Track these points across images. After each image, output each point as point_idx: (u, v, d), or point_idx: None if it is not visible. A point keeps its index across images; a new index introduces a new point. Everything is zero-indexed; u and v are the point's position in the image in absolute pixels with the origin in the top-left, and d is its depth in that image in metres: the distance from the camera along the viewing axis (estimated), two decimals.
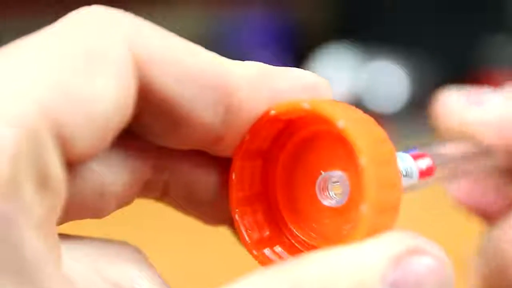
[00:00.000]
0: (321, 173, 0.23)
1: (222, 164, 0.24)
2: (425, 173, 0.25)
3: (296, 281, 0.20)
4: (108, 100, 0.19)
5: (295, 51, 1.11)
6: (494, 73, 1.03)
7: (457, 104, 0.35)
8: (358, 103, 1.01)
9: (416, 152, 0.25)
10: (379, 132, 0.22)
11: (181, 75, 0.21)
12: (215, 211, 0.25)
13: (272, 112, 0.22)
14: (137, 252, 0.23)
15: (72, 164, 0.20)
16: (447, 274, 0.21)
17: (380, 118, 1.00)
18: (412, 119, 1.00)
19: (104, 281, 0.22)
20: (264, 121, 0.22)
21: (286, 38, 1.13)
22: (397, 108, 1.02)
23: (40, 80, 0.19)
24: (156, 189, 0.24)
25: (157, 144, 0.23)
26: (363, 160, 0.20)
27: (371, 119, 0.22)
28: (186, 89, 0.21)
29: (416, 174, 0.24)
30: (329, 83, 0.23)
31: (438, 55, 1.05)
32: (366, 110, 0.22)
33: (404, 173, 0.24)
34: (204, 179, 0.24)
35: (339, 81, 0.99)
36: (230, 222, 0.24)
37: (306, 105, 0.21)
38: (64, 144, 0.19)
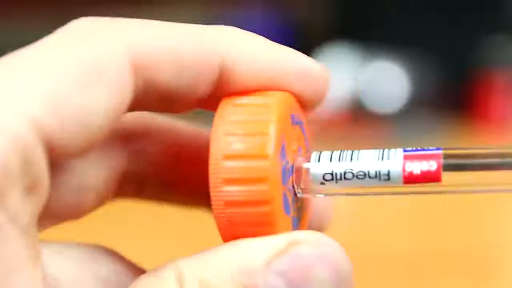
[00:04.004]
0: None
1: (196, 144, 0.24)
2: (417, 178, 0.22)
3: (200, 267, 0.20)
4: (102, 112, 0.20)
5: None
6: (494, 73, 1.03)
7: None
8: (358, 103, 1.01)
9: (420, 152, 0.22)
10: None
11: (180, 70, 0.21)
12: (192, 193, 0.25)
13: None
14: (113, 250, 0.24)
15: (56, 164, 0.20)
16: (339, 262, 0.20)
17: (380, 118, 1.00)
18: (412, 119, 1.00)
19: (94, 278, 0.22)
20: None
21: (286, 38, 1.14)
22: (397, 108, 1.02)
23: (32, 93, 0.19)
24: (133, 180, 0.24)
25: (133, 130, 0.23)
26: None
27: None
28: (185, 79, 0.22)
29: (399, 177, 0.22)
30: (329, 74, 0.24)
31: (438, 55, 1.05)
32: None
33: (374, 174, 0.22)
34: (178, 162, 0.25)
35: (339, 81, 0.99)
36: (207, 204, 0.25)
37: None
38: (53, 152, 0.19)
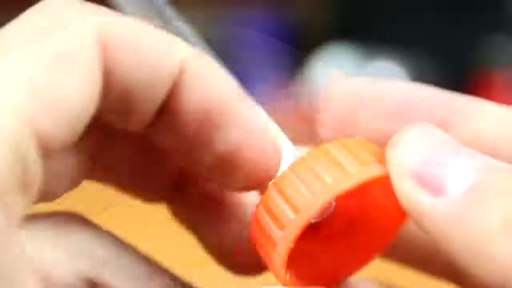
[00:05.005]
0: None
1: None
2: None
3: None
4: (76, 98, 0.20)
5: (295, 51, 1.11)
6: (494, 73, 1.03)
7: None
8: None
9: None
10: None
11: (140, 60, 0.21)
12: (154, 187, 0.25)
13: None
14: (84, 218, 0.24)
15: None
16: None
17: None
18: None
19: (68, 250, 0.24)
20: None
21: (286, 38, 1.13)
22: None
23: (18, 88, 0.19)
24: (102, 166, 0.25)
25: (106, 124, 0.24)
26: None
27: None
28: (144, 73, 0.21)
29: None
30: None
31: (438, 55, 1.05)
32: None
33: None
34: (143, 155, 0.25)
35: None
36: (169, 199, 0.25)
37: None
38: (41, 144, 0.19)
